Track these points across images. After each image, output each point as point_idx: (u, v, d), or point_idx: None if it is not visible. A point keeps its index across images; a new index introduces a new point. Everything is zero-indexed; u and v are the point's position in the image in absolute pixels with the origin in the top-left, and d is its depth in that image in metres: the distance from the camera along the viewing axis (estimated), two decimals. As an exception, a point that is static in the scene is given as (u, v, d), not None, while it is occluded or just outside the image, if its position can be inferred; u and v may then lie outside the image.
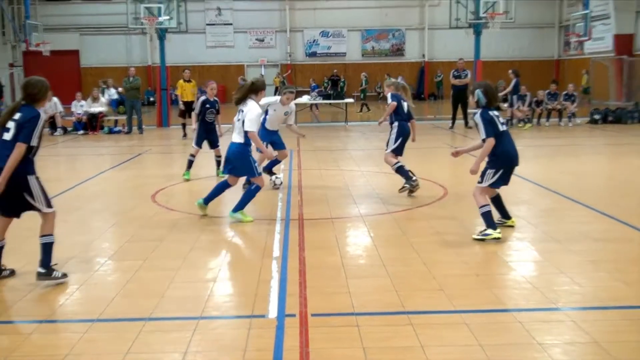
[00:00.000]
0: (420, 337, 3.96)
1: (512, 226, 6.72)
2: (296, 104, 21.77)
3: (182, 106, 17.22)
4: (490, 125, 6.37)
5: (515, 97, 19.23)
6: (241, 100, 7.13)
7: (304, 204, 8.18)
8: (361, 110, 25.74)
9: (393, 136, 8.73)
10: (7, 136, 4.97)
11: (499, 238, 6.15)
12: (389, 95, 8.96)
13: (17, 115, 5.01)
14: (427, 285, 4.93)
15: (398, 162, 8.66)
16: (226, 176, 7.43)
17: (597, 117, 19.40)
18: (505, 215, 6.77)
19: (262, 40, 35.95)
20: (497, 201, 6.72)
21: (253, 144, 7.20)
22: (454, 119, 18.93)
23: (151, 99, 32.33)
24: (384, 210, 7.75)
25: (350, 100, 23.94)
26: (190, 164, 10.14)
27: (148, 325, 4.25)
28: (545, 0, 36.73)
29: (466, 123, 18.78)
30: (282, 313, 4.41)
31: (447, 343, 3.90)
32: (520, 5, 30.69)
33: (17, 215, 5.19)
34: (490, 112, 6.44)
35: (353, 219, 7.44)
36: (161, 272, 5.37)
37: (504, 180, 6.51)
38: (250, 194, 7.22)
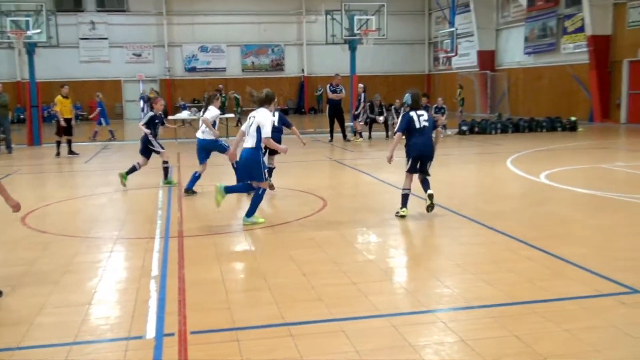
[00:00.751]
0: (299, 347, 4.03)
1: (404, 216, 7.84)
2: (174, 120, 21.43)
3: (63, 123, 16.36)
4: (404, 123, 8.00)
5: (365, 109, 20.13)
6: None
7: (184, 220, 8.08)
8: (237, 125, 25.70)
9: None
10: None
11: (403, 216, 7.76)
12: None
13: None
14: (307, 295, 5.02)
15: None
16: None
17: (464, 128, 20.56)
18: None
19: (140, 55, 35.10)
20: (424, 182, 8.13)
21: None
22: (331, 132, 19.36)
23: (21, 116, 30.54)
24: (265, 223, 7.80)
25: (231, 115, 23.86)
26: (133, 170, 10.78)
27: (17, 355, 4.03)
28: (415, 18, 38.53)
29: (344, 137, 19.29)
30: (161, 332, 4.33)
31: (326, 352, 4.00)
32: (392, 23, 31.97)
33: None
34: (411, 113, 7.99)
35: (234, 234, 7.44)
36: (31, 299, 5.10)
37: (414, 168, 8.04)
38: (258, 198, 7.75)
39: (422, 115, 8.00)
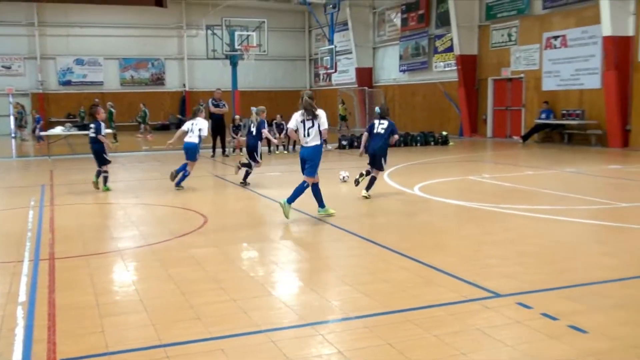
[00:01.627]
0: (176, 368, 3.98)
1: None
2: (48, 136, 20.40)
3: None
4: (369, 127, 10.86)
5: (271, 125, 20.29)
6: (312, 112, 8.79)
7: (56, 241, 7.71)
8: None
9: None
10: None
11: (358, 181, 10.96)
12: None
13: None
14: (185, 315, 4.95)
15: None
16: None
17: (344, 143, 21.10)
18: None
19: (9, 68, 33.20)
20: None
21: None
22: (214, 147, 19.23)
23: None
24: (142, 242, 7.61)
25: (109, 130, 23.01)
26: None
27: None
28: (295, 35, 39.15)
29: (223, 151, 19.19)
30: (28, 361, 4.12)
31: (204, 370, 3.97)
32: (273, 39, 32.38)
33: None
34: (376, 121, 10.75)
35: (109, 255, 7.18)
36: None
37: (370, 164, 10.79)
38: (316, 190, 8.96)
39: (383, 124, 10.59)
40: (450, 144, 21.89)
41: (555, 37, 21.33)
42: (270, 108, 35.44)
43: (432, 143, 22.00)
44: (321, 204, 9.04)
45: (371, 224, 8.59)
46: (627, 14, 18.39)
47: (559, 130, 21.21)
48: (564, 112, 20.74)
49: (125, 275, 6.38)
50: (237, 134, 19.79)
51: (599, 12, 18.52)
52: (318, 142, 8.84)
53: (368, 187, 10.65)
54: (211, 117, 19.79)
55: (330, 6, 28.55)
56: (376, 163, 10.63)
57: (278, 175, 14.74)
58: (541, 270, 6.05)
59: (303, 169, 8.99)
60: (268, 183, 13.30)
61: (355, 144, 21.11)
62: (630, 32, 18.46)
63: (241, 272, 6.25)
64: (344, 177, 12.86)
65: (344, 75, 34.22)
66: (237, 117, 20.79)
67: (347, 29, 32.52)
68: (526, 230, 8.06)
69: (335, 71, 30.28)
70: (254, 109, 13.03)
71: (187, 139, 12.28)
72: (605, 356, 3.99)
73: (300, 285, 5.90)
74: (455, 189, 11.87)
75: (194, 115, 12.58)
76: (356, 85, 32.58)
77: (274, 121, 21.11)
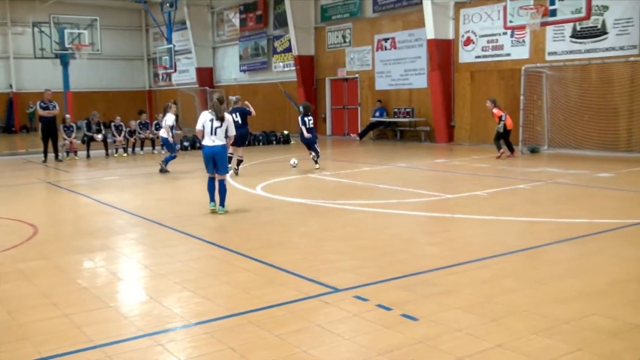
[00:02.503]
0: (1, 394, 3.69)
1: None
2: None
3: None
4: (301, 124, 14.28)
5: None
6: (219, 114, 9.24)
7: None
8: None
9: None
10: None
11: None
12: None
13: None
14: (11, 336, 4.60)
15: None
16: None
17: (186, 144, 20.74)
18: None
19: None
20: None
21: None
22: (45, 152, 18.03)
23: None
24: (-39, 260, 6.96)
25: None
26: None
27: None
28: (132, 34, 37.80)
29: (56, 156, 18.08)
30: None
31: (33, 394, 3.72)
32: (108, 38, 31.06)
33: None
34: (306, 118, 14.29)
35: None
36: None
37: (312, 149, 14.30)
38: (212, 186, 9.47)
39: (311, 119, 14.39)
40: (292, 142, 22.29)
41: (386, 39, 22.48)
42: (108, 109, 34.43)
43: (274, 142, 22.30)
44: (223, 202, 9.40)
45: (212, 226, 8.53)
46: (447, 18, 19.84)
47: (392, 127, 22.38)
48: (396, 110, 21.94)
49: (-59, 297, 5.80)
50: (70, 136, 18.73)
51: (423, 17, 19.78)
52: (224, 142, 9.32)
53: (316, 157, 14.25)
54: (40, 120, 18.53)
55: (167, 5, 27.92)
56: (314, 149, 14.34)
57: (116, 179, 14.15)
58: (376, 263, 6.36)
59: (211, 167, 9.31)
60: (106, 187, 12.73)
61: (198, 145, 20.81)
62: (451, 35, 19.93)
63: (75, 285, 5.93)
64: (294, 163, 14.61)
65: (184, 75, 33.63)
66: (67, 116, 19.66)
67: (185, 29, 31.96)
68: (363, 224, 8.43)
69: (175, 71, 29.71)
70: (232, 98, 14.69)
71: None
72: (433, 341, 4.28)
73: (139, 294, 5.71)
74: (297, 187, 12.12)
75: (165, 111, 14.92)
76: (197, 86, 32.13)
77: (113, 123, 20.20)
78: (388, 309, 4.93)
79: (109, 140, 19.59)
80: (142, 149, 20.25)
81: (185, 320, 4.89)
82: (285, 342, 4.35)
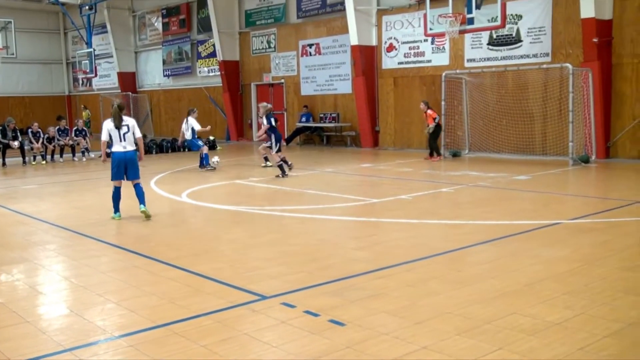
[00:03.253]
0: None
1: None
2: None
3: None
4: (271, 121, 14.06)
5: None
6: (121, 121, 9.25)
7: None
8: None
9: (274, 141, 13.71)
10: None
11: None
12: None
13: None
14: None
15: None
16: None
17: (108, 150, 20.13)
18: None
19: None
20: None
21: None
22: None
23: None
24: None
25: None
26: None
27: None
28: (50, 37, 36.50)
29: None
30: None
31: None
32: (24, 41, 29.91)
33: None
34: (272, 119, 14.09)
35: None
36: None
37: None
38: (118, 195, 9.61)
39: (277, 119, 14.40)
40: (218, 148, 22.07)
41: (310, 45, 22.62)
42: (25, 115, 33.10)
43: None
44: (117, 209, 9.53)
45: (136, 235, 8.32)
46: (370, 25, 20.19)
47: (319, 132, 22.52)
48: (322, 115, 22.10)
49: None
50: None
51: (347, 23, 20.04)
52: (134, 147, 9.40)
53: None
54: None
55: (86, 7, 27.11)
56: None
57: (34, 187, 13.60)
58: (303, 269, 6.37)
59: (121, 173, 9.37)
60: (23, 197, 12.21)
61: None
62: (374, 41, 20.27)
63: (-11, 300, 5.64)
64: (215, 161, 15.37)
65: (106, 80, 32.74)
66: None
67: (106, 32, 31.12)
68: (290, 230, 8.43)
69: (96, 75, 28.89)
70: (266, 105, 14.57)
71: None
72: (359, 345, 4.32)
73: (59, 308, 5.49)
74: (224, 194, 12.00)
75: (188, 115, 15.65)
76: (119, 90, 31.32)
77: (30, 129, 19.40)
78: (315, 315, 4.94)
79: (26, 148, 18.81)
80: (61, 156, 19.56)
81: (108, 333, 4.75)
82: (212, 352, 4.29)
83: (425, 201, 10.53)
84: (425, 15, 16.12)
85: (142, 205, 9.28)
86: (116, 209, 9.41)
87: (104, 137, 9.29)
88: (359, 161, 17.21)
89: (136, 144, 9.52)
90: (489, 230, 8.03)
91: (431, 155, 16.52)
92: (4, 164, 18.12)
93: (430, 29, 16.05)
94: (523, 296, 5.35)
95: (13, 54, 25.01)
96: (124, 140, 9.24)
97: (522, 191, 11.23)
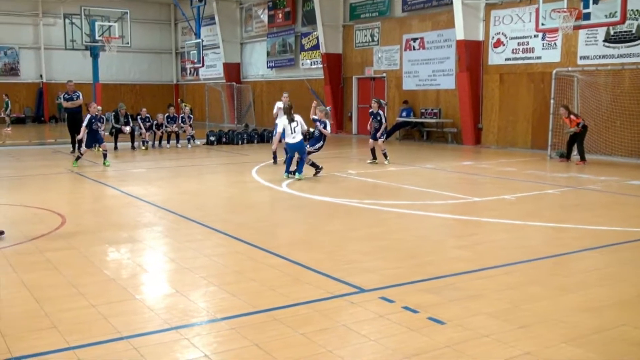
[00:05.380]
0: (30, 382, 3.73)
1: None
2: None
3: None
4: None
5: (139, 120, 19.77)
6: (292, 116, 12.46)
7: None
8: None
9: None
10: None
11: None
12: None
13: None
14: (39, 324, 4.65)
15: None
16: None
17: (212, 138, 20.83)
18: None
19: None
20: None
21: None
22: (73, 143, 18.22)
23: None
24: (-9, 247, 7.06)
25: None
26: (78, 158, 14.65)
27: None
28: (161, 27, 38.08)
29: (79, 146, 18.24)
30: None
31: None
32: (137, 31, 31.33)
33: None
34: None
35: (-47, 261, 6.60)
36: None
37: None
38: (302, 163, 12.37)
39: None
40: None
41: (414, 39, 22.34)
42: (136, 102, 34.72)
43: (300, 139, 22.23)
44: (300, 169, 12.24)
45: (238, 222, 8.53)
46: (477, 20, 19.66)
47: (419, 128, 22.25)
48: (423, 110, 21.80)
49: (-29, 283, 5.89)
50: (99, 127, 18.88)
51: (453, 17, 19.62)
52: (301, 138, 12.24)
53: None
54: (65, 111, 18.77)
55: (197, 0, 28.05)
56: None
57: (143, 171, 14.25)
58: (402, 264, 6.31)
59: (291, 157, 12.43)
60: (132, 180, 12.84)
61: (224, 139, 20.93)
62: (481, 37, 19.74)
63: (102, 276, 5.97)
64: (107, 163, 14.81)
65: (212, 70, 33.79)
66: (98, 107, 19.83)
67: (214, 24, 32.09)
68: (389, 225, 8.37)
69: (203, 65, 29.84)
70: (325, 108, 14.64)
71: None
72: (459, 346, 4.23)
73: (165, 287, 5.73)
74: (322, 186, 12.09)
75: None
76: (224, 81, 32.26)
77: (139, 115, 20.36)
78: (414, 311, 4.88)
79: (135, 133, 19.73)
80: (168, 143, 20.38)
81: (211, 315, 4.90)
82: (311, 341, 4.33)
83: (529, 202, 10.16)
84: (537, 10, 15.52)
85: (297, 173, 12.10)
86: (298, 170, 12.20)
87: (279, 129, 12.13)
88: (459, 158, 16.86)
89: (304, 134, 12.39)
90: (597, 236, 7.64)
91: (582, 159, 15.33)
92: (115, 147, 19.08)
93: (542, 24, 15.42)
94: (633, 308, 5.06)
95: (128, 44, 26.27)
96: (294, 132, 12.06)
97: (636, 197, 10.61)
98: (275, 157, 14.89)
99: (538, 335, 4.41)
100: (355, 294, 5.34)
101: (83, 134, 14.98)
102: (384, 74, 23.83)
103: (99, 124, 15.27)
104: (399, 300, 5.12)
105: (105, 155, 15.00)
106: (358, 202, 9.91)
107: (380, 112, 14.91)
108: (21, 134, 24.54)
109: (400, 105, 22.74)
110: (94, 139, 15.08)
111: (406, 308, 4.95)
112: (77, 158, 14.90)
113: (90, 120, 14.75)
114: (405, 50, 22.77)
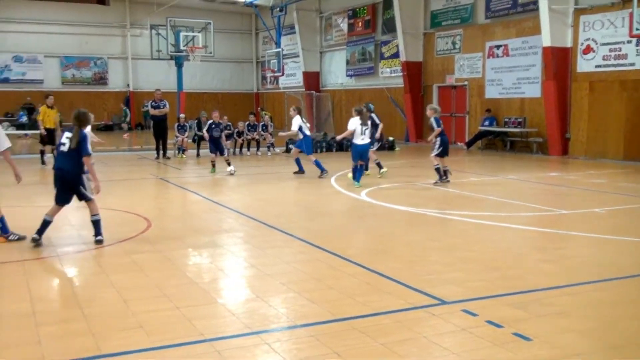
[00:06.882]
0: (117, 380, 3.83)
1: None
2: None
3: (43, 132, 16.10)
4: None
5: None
6: (366, 120, 12.99)
7: (-12, 247, 7.38)
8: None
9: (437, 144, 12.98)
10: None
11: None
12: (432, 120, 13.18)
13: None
14: (126, 324, 4.79)
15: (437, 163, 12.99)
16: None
17: (291, 146, 20.99)
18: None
19: (-58, 64, 31.80)
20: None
21: None
22: (157, 149, 18.86)
23: None
24: (82, 247, 7.37)
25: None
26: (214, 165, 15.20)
27: None
28: (242, 37, 38.91)
29: (164, 154, 18.83)
30: (-43, 375, 3.90)
31: (146, 382, 3.84)
32: (220, 41, 32.10)
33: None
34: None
35: (48, 260, 6.93)
36: None
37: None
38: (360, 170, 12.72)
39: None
40: (397, 149, 22.11)
41: (498, 47, 21.83)
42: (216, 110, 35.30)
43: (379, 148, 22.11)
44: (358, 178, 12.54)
45: (317, 229, 8.55)
46: (565, 26, 18.97)
47: (502, 137, 21.68)
48: (506, 119, 21.23)
49: (64, 281, 6.16)
50: (182, 134, 19.48)
51: (539, 23, 19.03)
52: (369, 141, 12.82)
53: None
54: (152, 118, 19.46)
55: (277, 9, 28.48)
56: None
57: (223, 178, 14.54)
58: (485, 277, 6.13)
59: (358, 158, 12.62)
60: (214, 186, 13.13)
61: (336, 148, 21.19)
62: (569, 43, 19.04)
63: (185, 279, 6.11)
64: (231, 171, 14.53)
65: (292, 79, 34.20)
66: (182, 116, 20.50)
67: (294, 33, 32.49)
68: (470, 236, 8.17)
69: (283, 74, 30.21)
70: (432, 106, 14.25)
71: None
72: (548, 363, 4.05)
73: (246, 292, 5.80)
74: (401, 195, 11.96)
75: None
76: (303, 89, 32.58)
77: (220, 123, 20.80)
78: (499, 325, 4.72)
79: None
80: (248, 150, 20.74)
81: (291, 321, 4.91)
82: (391, 352, 4.26)
83: (621, 216, 9.68)
84: (631, 14, 14.85)
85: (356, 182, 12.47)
86: (356, 178, 12.51)
87: (351, 127, 12.51)
88: (545, 169, 16.30)
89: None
90: (697, 254, 7.18)
91: None
92: (198, 154, 19.58)
93: (637, 29, 14.71)
94: None
95: (211, 53, 26.99)
96: (364, 134, 12.53)
97: None
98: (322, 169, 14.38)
99: (631, 358, 4.17)
100: (437, 305, 5.22)
101: (206, 137, 15.49)
102: (466, 82, 23.40)
103: (219, 131, 15.36)
104: (482, 314, 4.96)
105: (229, 163, 15.02)
106: (438, 212, 9.73)
107: (436, 120, 13.30)
108: (109, 140, 25.58)
109: (483, 114, 22.24)
110: (216, 147, 15.16)
111: (490, 322, 4.79)
112: (213, 164, 15.23)
113: (210, 126, 15.39)
114: (488, 57, 22.28)
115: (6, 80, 33.08)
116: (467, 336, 4.55)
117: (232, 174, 14.41)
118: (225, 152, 15.44)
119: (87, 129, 7.76)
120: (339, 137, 14.72)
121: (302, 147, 14.54)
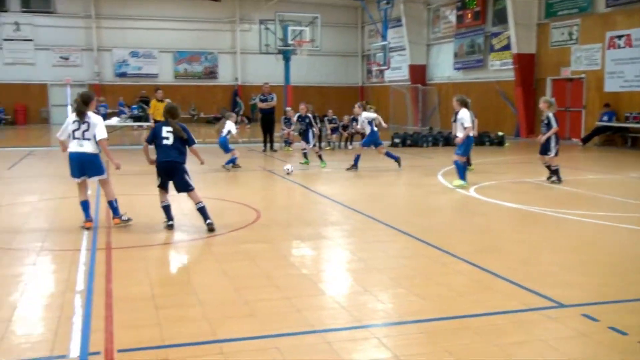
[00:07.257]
0: (231, 365, 3.94)
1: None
2: (107, 127, 20.93)
3: (153, 124, 16.49)
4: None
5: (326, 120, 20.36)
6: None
7: (112, 231, 7.82)
8: None
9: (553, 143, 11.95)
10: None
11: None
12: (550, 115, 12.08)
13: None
14: (239, 311, 4.92)
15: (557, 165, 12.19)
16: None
17: (397, 140, 20.88)
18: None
19: (67, 59, 34.03)
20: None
21: None
22: (265, 142, 19.27)
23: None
24: (196, 236, 7.64)
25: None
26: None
27: None
28: (348, 31, 38.99)
29: (271, 146, 19.20)
30: (85, 351, 4.14)
31: (259, 369, 3.92)
32: (326, 34, 32.28)
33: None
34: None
35: (165, 246, 7.25)
36: (-57, 316, 4.80)
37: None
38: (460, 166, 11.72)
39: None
40: (506, 144, 21.41)
41: (619, 37, 20.59)
42: (322, 104, 35.84)
43: (487, 143, 21.52)
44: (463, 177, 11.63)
45: (425, 225, 8.41)
46: (697, 13, 17.62)
47: (622, 133, 20.47)
48: (628, 114, 20.00)
49: (180, 268, 6.42)
50: (289, 127, 19.80)
51: (667, 11, 17.79)
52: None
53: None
54: (260, 111, 19.87)
55: (384, 2, 28.29)
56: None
57: (329, 171, 14.64)
58: (606, 281, 5.80)
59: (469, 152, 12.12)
60: (319, 179, 13.25)
61: (409, 142, 20.90)
62: (700, 32, 17.67)
63: (294, 270, 6.20)
64: (288, 170, 13.56)
65: (397, 72, 33.90)
66: (288, 109, 20.82)
67: (400, 25, 32.16)
68: (588, 236, 7.77)
69: (388, 68, 30.02)
70: (545, 98, 12.83)
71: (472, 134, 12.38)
72: (679, 376, 3.77)
73: (354, 285, 5.80)
74: (511, 191, 11.57)
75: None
76: (409, 83, 32.23)
77: (326, 117, 21.02)
78: (623, 333, 4.45)
79: (323, 134, 20.34)
80: (351, 143, 20.78)
81: (401, 317, 4.86)
82: (506, 353, 4.12)
83: None
84: None
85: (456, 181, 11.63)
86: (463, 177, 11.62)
87: (467, 123, 11.53)
88: (668, 167, 15.25)
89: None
90: None
91: None
92: (271, 147, 19.67)
93: None
94: None
95: (318, 47, 27.21)
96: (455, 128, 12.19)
97: None
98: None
99: None
100: (554, 308, 4.99)
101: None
102: (583, 75, 22.26)
103: (304, 124, 15.63)
104: (604, 320, 4.70)
105: (320, 156, 15.26)
106: (552, 211, 9.32)
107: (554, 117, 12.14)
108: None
109: (601, 109, 21.08)
110: (303, 139, 15.61)
111: (613, 329, 4.52)
112: (320, 157, 15.38)
113: (297, 119, 16.02)
114: (608, 48, 21.07)
115: (124, 75, 34.97)
116: (588, 342, 4.32)
117: (288, 173, 13.49)
118: (310, 143, 15.46)
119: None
120: (474, 133, 12.50)
121: (366, 143, 14.86)
